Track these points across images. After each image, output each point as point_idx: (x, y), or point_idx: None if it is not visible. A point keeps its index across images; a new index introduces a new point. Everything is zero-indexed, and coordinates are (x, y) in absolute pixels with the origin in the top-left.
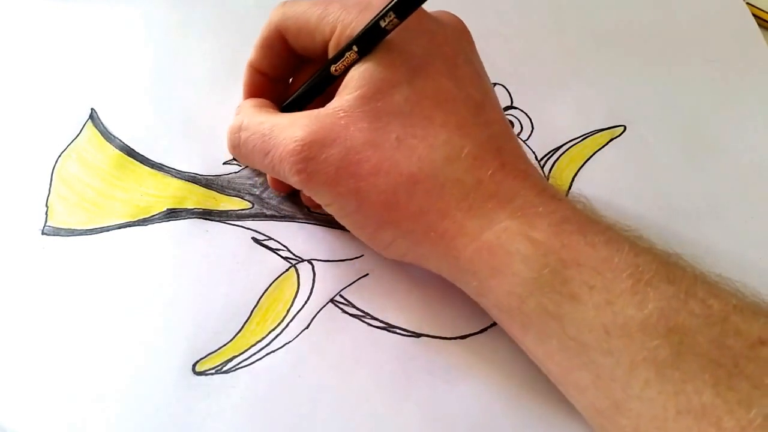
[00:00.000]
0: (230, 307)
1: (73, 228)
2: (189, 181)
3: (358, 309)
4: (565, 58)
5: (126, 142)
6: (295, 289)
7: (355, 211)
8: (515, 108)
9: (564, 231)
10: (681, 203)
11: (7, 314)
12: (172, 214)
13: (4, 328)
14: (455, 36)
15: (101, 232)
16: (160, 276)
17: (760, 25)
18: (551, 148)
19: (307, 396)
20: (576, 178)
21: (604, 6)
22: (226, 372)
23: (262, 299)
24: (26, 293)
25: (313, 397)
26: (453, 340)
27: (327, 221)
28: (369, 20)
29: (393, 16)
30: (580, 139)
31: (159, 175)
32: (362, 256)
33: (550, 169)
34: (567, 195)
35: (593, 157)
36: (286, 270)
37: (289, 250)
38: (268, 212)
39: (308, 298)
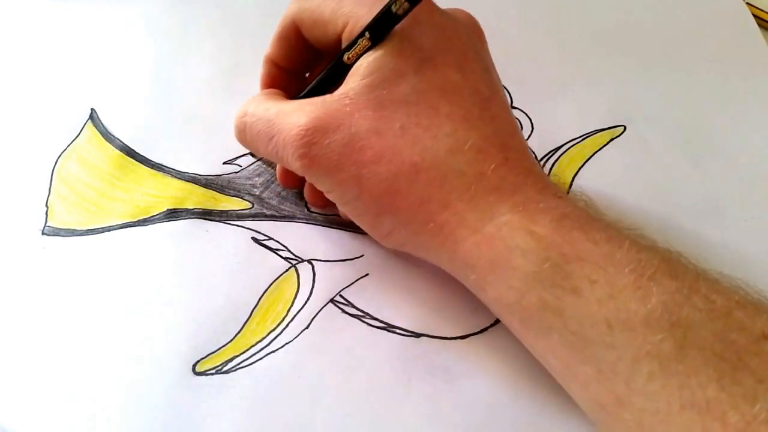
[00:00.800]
0: (230, 307)
1: (73, 228)
2: (189, 181)
3: (358, 309)
4: (565, 58)
5: (126, 142)
6: (295, 289)
7: (355, 198)
8: (515, 108)
9: (565, 227)
10: (681, 203)
11: (7, 314)
12: (172, 215)
13: (4, 328)
14: (466, 32)
15: (101, 232)
16: (160, 276)
17: (760, 25)
18: (551, 148)
19: (307, 396)
20: (576, 178)
21: (604, 6)
22: (227, 372)
23: (262, 299)
24: (26, 293)
25: (313, 397)
26: (453, 340)
27: (327, 221)
28: (384, 4)
29: (404, 1)
30: (580, 139)
31: (159, 175)
32: (362, 256)
33: (550, 169)
34: (568, 194)
35: (593, 157)
36: (286, 270)
37: (289, 250)
38: (268, 212)
39: (308, 298)
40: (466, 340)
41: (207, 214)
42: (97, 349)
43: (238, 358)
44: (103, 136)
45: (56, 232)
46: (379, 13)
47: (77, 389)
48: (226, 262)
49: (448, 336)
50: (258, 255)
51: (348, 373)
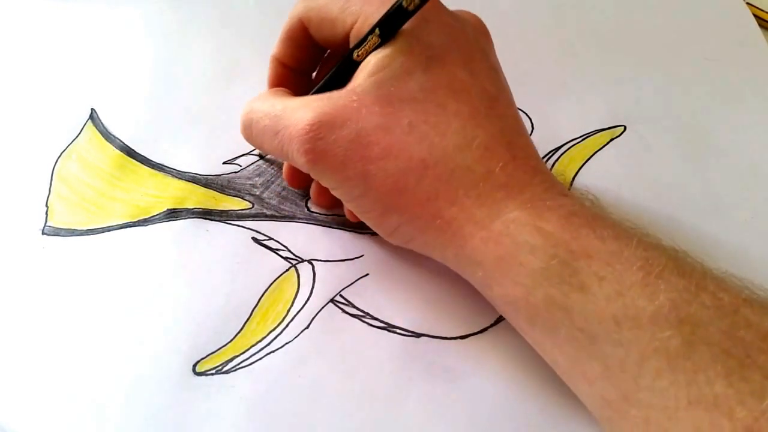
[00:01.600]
0: (230, 307)
1: (73, 228)
2: (189, 181)
3: (358, 309)
4: (565, 58)
5: (126, 142)
6: (295, 289)
7: (361, 195)
8: None
9: (573, 224)
10: (681, 203)
11: (7, 314)
12: (172, 215)
13: (4, 328)
14: (474, 32)
15: (101, 232)
16: (160, 276)
17: (760, 25)
18: (551, 148)
19: (307, 396)
20: (576, 178)
21: (604, 6)
22: (227, 372)
23: (262, 299)
24: (26, 293)
25: (313, 397)
26: (453, 340)
27: (327, 221)
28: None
29: None
30: (581, 139)
31: (159, 175)
32: (362, 256)
33: (551, 169)
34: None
35: (593, 157)
36: (286, 270)
37: (289, 250)
38: (268, 212)
39: (308, 298)
40: (466, 340)
41: (207, 214)
42: (98, 349)
43: (238, 358)
44: (103, 136)
45: (56, 232)
46: (390, 8)
47: (77, 389)
48: (226, 262)
49: (448, 336)
50: (258, 255)
51: (348, 373)
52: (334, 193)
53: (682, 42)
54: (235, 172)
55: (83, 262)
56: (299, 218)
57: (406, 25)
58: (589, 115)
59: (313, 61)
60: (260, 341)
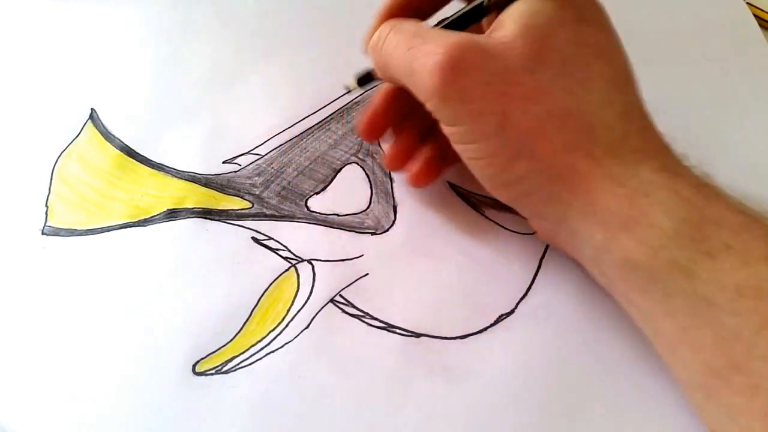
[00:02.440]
0: (230, 307)
1: (73, 228)
2: (189, 180)
3: (358, 309)
4: None
5: (126, 142)
6: (295, 289)
7: (493, 135)
8: None
9: (705, 192)
10: None
11: (7, 314)
12: (172, 214)
13: (4, 328)
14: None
15: (101, 232)
16: (160, 276)
17: (760, 25)
18: None
19: (307, 396)
20: None
21: (603, 6)
22: (226, 372)
23: (262, 299)
24: (26, 293)
25: (313, 397)
26: (453, 340)
27: (327, 221)
28: None
29: None
30: None
31: (159, 175)
32: (362, 256)
33: None
34: None
35: None
36: (286, 270)
37: (289, 250)
38: (268, 212)
39: (308, 298)
40: (466, 340)
41: (207, 214)
42: (97, 349)
43: (238, 358)
44: (103, 135)
45: (56, 232)
46: None
47: (77, 389)
48: (225, 262)
49: (448, 336)
50: (258, 255)
51: (348, 373)
52: (448, 130)
53: (682, 42)
54: (235, 172)
55: (83, 262)
56: (299, 218)
57: None
58: None
59: (434, 4)
60: (260, 341)
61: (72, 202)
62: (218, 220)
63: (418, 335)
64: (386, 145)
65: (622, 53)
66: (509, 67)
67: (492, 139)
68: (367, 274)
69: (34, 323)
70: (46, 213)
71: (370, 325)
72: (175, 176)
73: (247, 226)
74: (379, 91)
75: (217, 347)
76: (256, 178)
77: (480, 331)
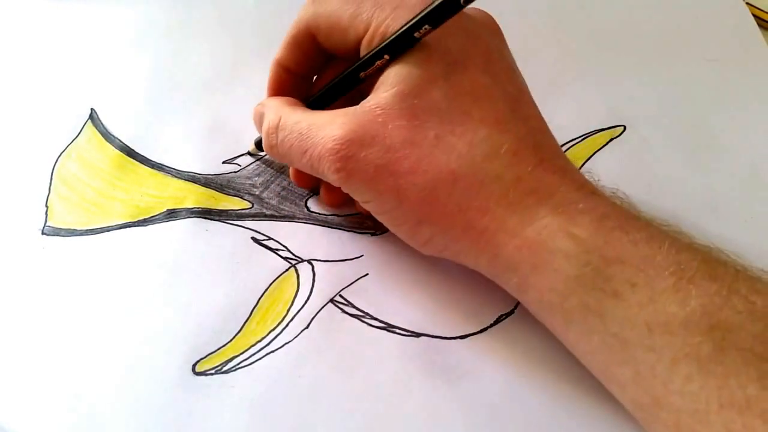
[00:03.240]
0: (230, 307)
1: (73, 228)
2: (189, 180)
3: (358, 309)
4: (565, 58)
5: (126, 142)
6: (295, 289)
7: (394, 209)
8: None
9: (605, 227)
10: (681, 203)
11: (7, 314)
12: (171, 214)
13: (4, 328)
14: (487, 32)
15: (101, 232)
16: (160, 276)
17: (760, 25)
18: None
19: (307, 396)
20: None
21: (604, 6)
22: (226, 372)
23: (262, 299)
24: (26, 293)
25: (313, 397)
26: (453, 340)
27: (326, 221)
28: (403, 18)
29: (428, 27)
30: (580, 139)
31: (159, 175)
32: (362, 256)
33: None
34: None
35: (593, 157)
36: (286, 270)
37: (288, 250)
38: (268, 212)
39: (308, 298)
40: (466, 340)
41: (207, 214)
42: (97, 349)
43: (238, 358)
44: (103, 136)
45: (56, 232)
46: (397, 34)
47: (77, 389)
48: (225, 262)
49: (448, 336)
50: (258, 255)
51: (348, 373)
52: (365, 206)
53: (682, 42)
54: (235, 172)
55: (83, 262)
56: (299, 218)
57: None
58: (589, 115)
59: (317, 66)
60: (260, 341)
61: (72, 202)
62: (218, 220)
63: (418, 335)
64: None
65: (504, 86)
66: (392, 145)
67: (394, 212)
68: (367, 274)
69: (34, 323)
70: (46, 213)
71: (370, 325)
72: (175, 176)
73: (246, 226)
74: None
75: (217, 347)
76: (256, 179)
77: (480, 331)
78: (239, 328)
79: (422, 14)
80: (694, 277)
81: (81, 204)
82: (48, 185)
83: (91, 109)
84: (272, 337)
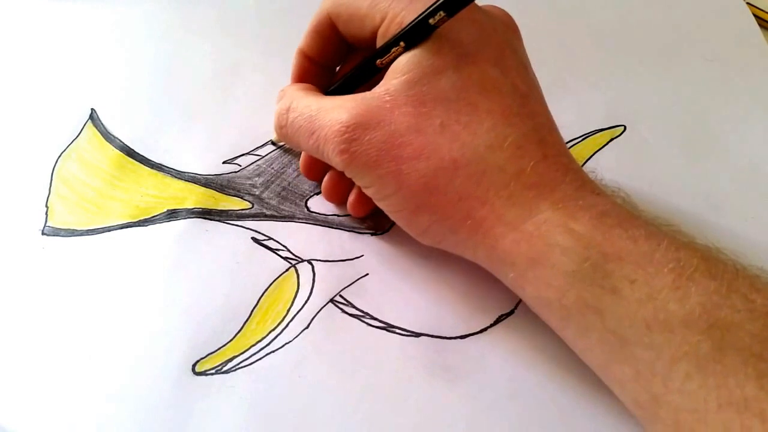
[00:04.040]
0: (230, 307)
1: (73, 228)
2: (189, 181)
3: (358, 309)
4: (565, 58)
5: (126, 143)
6: (295, 289)
7: (393, 194)
8: None
9: (605, 224)
10: (681, 203)
11: (7, 314)
12: (172, 215)
13: (4, 328)
14: (503, 28)
15: (101, 232)
16: (160, 276)
17: (760, 25)
18: None
19: (307, 396)
20: None
21: (604, 6)
22: (226, 372)
23: (262, 299)
24: (26, 293)
25: (313, 397)
26: (453, 340)
27: (326, 221)
28: (419, 10)
29: (443, 14)
30: (580, 139)
31: (159, 175)
32: (362, 256)
33: None
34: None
35: (593, 157)
36: (286, 270)
37: (288, 250)
38: (268, 212)
39: (308, 298)
40: (466, 339)
41: (207, 214)
42: (97, 349)
43: (238, 358)
44: (103, 136)
45: (56, 232)
46: (413, 22)
47: (77, 389)
48: (225, 262)
49: (448, 336)
50: (258, 255)
51: (348, 373)
52: (366, 191)
53: (682, 42)
54: (235, 172)
55: (83, 262)
56: (299, 218)
57: None
58: (589, 115)
59: (338, 56)
60: (260, 341)
61: (72, 202)
62: (218, 221)
63: (418, 335)
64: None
65: (514, 81)
66: (397, 130)
67: (393, 197)
68: (367, 274)
69: (34, 323)
70: (46, 213)
71: (370, 325)
72: (175, 176)
73: (247, 226)
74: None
75: (217, 347)
76: (256, 179)
77: (480, 331)
78: (239, 328)
79: (438, 1)
80: (693, 274)
81: (81, 204)
82: (48, 185)
83: (91, 109)
84: (272, 337)
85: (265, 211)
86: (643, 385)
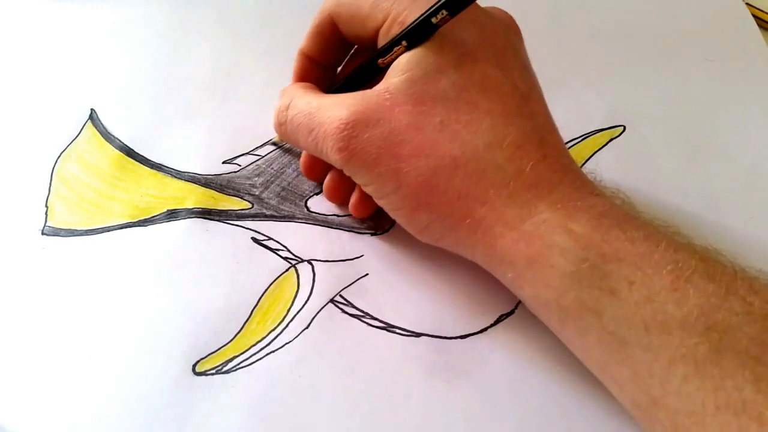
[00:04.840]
0: (230, 307)
1: (73, 228)
2: (189, 181)
3: (358, 309)
4: (565, 58)
5: (126, 142)
6: (295, 289)
7: (392, 192)
8: None
9: (604, 225)
10: (681, 203)
11: (7, 314)
12: (172, 215)
13: (4, 328)
14: (504, 29)
15: (101, 232)
16: (160, 276)
17: (760, 25)
18: None
19: (307, 396)
20: None
21: (604, 6)
22: (227, 372)
23: (262, 299)
24: (26, 293)
25: (313, 397)
26: (453, 340)
27: (326, 221)
28: (421, 9)
29: (445, 13)
30: (580, 139)
31: (159, 175)
32: (362, 256)
33: None
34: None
35: (593, 157)
36: (286, 270)
37: (288, 250)
38: (268, 212)
39: (308, 298)
40: (466, 339)
41: (206, 214)
42: (97, 349)
43: (238, 358)
44: (103, 136)
45: (56, 232)
46: (416, 21)
47: (77, 389)
48: (225, 262)
49: (448, 336)
50: (258, 255)
51: (348, 372)
52: (366, 189)
53: (682, 42)
54: (235, 172)
55: (83, 262)
56: (299, 218)
57: None
58: (589, 115)
59: (339, 56)
60: (260, 341)
61: (72, 202)
62: (218, 221)
63: (418, 335)
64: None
65: (515, 81)
66: (396, 128)
67: (393, 195)
68: (367, 274)
69: (34, 323)
70: (46, 213)
71: (370, 325)
72: (175, 176)
73: (246, 226)
74: None
75: (217, 347)
76: (256, 179)
77: (480, 331)
78: (239, 328)
79: (441, 0)
80: (692, 276)
81: (81, 204)
82: (48, 185)
83: (91, 109)
84: (272, 337)
85: (264, 211)
86: (641, 386)
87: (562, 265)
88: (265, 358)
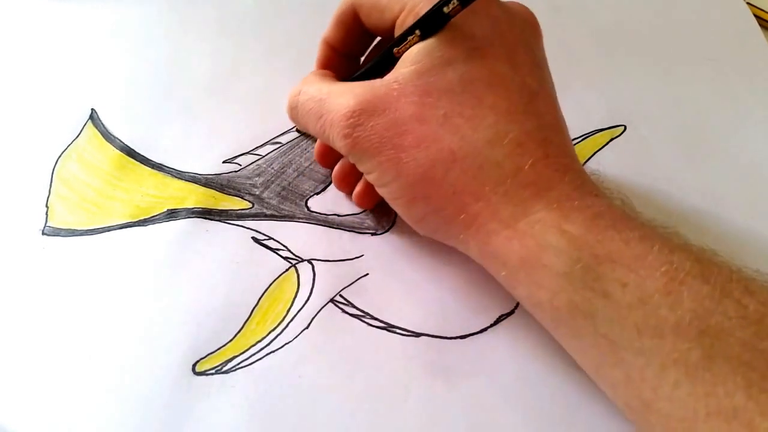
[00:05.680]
0: (230, 307)
1: (73, 228)
2: (189, 180)
3: (358, 309)
4: (565, 58)
5: (126, 142)
6: (295, 289)
7: (392, 181)
8: None
9: (598, 226)
10: (681, 203)
11: (7, 314)
12: (172, 214)
13: (4, 328)
14: (521, 25)
15: (101, 232)
16: (160, 276)
17: (760, 25)
18: None
19: (307, 396)
20: None
21: (604, 6)
22: (226, 372)
23: (262, 299)
24: (26, 293)
25: (313, 397)
26: (453, 340)
27: (327, 221)
28: (435, 1)
29: (456, 3)
30: (580, 139)
31: (159, 175)
32: (362, 256)
33: None
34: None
35: (593, 157)
36: (286, 270)
37: (289, 250)
38: (268, 212)
39: (308, 298)
40: (466, 339)
41: (207, 214)
42: (97, 349)
43: (238, 358)
44: (103, 136)
45: (56, 232)
46: (429, 11)
47: (77, 389)
48: (225, 261)
49: (448, 336)
50: (258, 255)
51: (348, 372)
52: (367, 177)
53: (683, 42)
54: (235, 172)
55: (83, 262)
56: (299, 218)
57: None
58: (589, 115)
59: (362, 46)
60: (260, 341)
61: (72, 202)
62: (218, 221)
63: (418, 335)
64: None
65: (524, 78)
66: (400, 118)
67: (392, 184)
68: (367, 274)
69: (35, 323)
70: (47, 213)
71: (370, 325)
72: (175, 176)
73: (247, 226)
74: None
75: (217, 347)
76: (257, 179)
77: (480, 331)
78: (239, 328)
79: None
80: (686, 278)
81: (81, 204)
82: (48, 186)
83: (91, 109)
84: (272, 337)
85: (265, 210)
86: (633, 390)
87: (555, 266)
88: (265, 358)
